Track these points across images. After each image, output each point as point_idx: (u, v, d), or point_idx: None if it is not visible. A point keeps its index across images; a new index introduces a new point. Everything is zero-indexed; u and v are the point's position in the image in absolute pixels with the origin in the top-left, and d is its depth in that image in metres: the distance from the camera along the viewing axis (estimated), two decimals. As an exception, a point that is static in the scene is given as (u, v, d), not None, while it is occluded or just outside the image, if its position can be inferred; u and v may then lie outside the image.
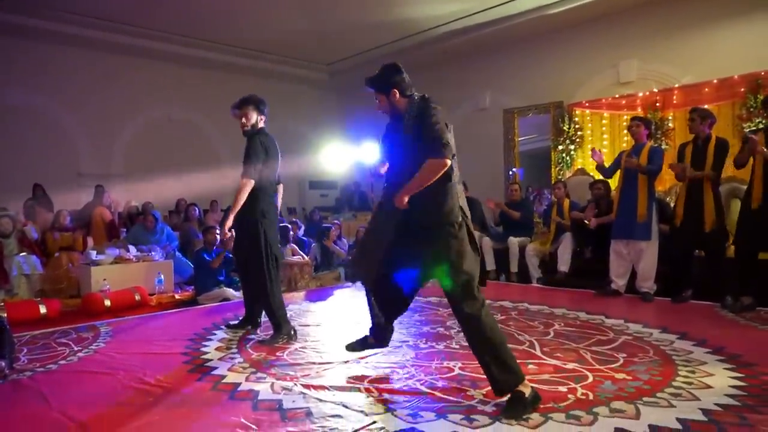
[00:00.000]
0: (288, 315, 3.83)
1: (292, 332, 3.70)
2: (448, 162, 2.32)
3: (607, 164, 5.38)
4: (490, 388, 2.59)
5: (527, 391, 2.31)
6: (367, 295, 2.81)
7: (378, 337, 2.92)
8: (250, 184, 3.56)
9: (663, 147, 6.55)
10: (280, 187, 3.99)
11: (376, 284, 2.69)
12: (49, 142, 8.27)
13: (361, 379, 2.80)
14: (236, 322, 4.15)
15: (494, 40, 8.46)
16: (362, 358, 3.17)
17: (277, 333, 3.64)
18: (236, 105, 3.78)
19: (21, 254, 5.71)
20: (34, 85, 8.23)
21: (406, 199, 2.35)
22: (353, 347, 3.00)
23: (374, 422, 2.23)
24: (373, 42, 8.99)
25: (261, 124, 3.78)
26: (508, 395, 2.32)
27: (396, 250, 2.50)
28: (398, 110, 2.54)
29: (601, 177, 5.85)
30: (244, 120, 3.72)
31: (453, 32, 8.46)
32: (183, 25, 8.31)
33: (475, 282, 2.37)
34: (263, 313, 3.91)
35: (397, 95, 2.53)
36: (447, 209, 2.38)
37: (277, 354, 3.33)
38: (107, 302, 4.91)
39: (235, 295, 5.48)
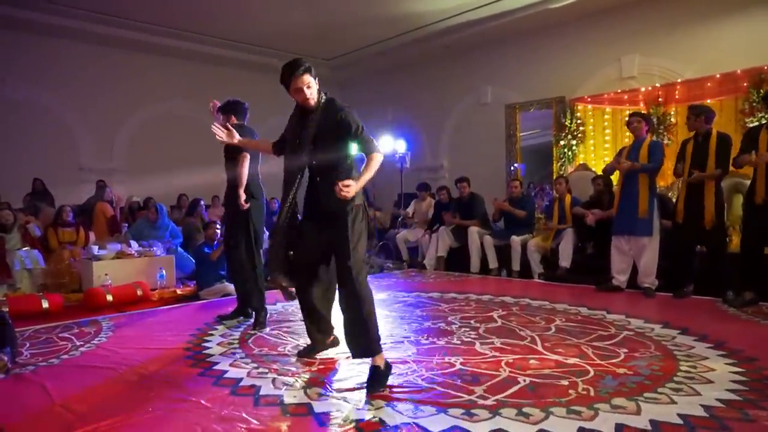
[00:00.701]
0: (288, 311, 3.86)
1: (264, 322, 3.92)
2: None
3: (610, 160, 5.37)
4: (490, 383, 2.60)
5: (382, 364, 2.60)
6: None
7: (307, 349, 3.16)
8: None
9: (665, 142, 6.54)
10: None
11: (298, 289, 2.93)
12: (51, 137, 8.28)
13: (362, 373, 2.81)
14: (228, 314, 4.23)
15: (496, 34, 8.43)
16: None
17: (259, 316, 3.89)
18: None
19: (23, 249, 5.72)
20: (36, 79, 8.23)
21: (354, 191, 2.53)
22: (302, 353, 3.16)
23: (375, 417, 2.24)
24: (375, 37, 8.96)
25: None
26: (370, 369, 2.60)
27: (304, 240, 2.78)
28: (312, 106, 2.72)
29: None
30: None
31: (454, 27, 8.43)
32: (184, 20, 8.30)
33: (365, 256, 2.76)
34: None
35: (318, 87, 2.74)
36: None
37: (279, 349, 3.33)
38: (109, 297, 4.92)
39: (237, 290, 5.50)
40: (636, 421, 2.14)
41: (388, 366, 2.66)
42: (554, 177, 7.51)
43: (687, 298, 4.71)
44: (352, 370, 2.87)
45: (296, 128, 2.80)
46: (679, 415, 2.20)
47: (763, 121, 5.43)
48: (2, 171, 7.53)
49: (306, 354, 3.12)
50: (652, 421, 2.13)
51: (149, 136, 9.05)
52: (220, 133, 3.21)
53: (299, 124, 2.78)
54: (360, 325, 2.62)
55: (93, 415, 2.28)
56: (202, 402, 2.45)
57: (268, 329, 3.84)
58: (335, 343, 3.16)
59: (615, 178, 5.71)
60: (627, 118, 5.28)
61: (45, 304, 4.61)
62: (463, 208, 7.06)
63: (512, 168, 8.48)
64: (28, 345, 3.52)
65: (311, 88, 2.68)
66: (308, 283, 2.88)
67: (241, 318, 4.13)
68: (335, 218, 2.63)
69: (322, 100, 2.73)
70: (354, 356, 2.74)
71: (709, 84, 6.44)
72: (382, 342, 2.70)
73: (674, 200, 5.38)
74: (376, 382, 2.54)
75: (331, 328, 3.13)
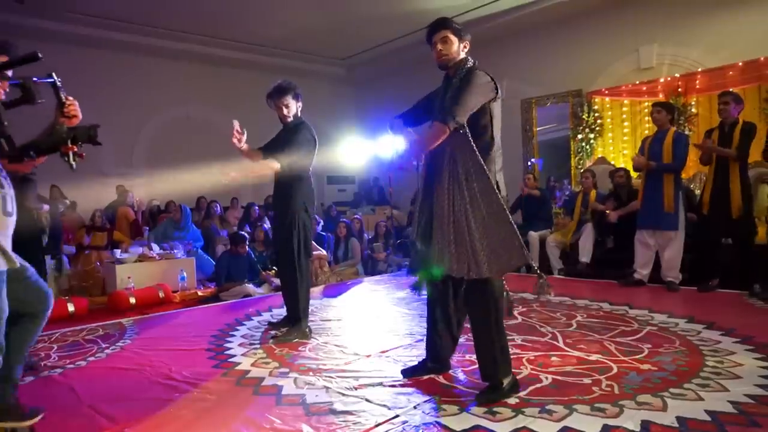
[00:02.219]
0: (309, 310, 3.84)
1: (308, 330, 3.63)
2: (448, 130, 2.29)
3: (633, 152, 5.27)
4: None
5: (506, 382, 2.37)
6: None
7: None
8: (278, 168, 3.43)
9: (687, 133, 6.41)
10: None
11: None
12: (72, 143, 8.42)
13: (383, 373, 2.81)
14: (278, 320, 4.08)
15: (510, 29, 8.36)
16: (384, 352, 3.19)
17: (294, 328, 3.58)
18: (274, 94, 3.56)
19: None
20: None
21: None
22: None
23: (397, 416, 2.24)
24: (388, 35, 8.95)
25: (299, 112, 3.64)
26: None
27: None
28: (452, 67, 2.47)
29: (622, 165, 5.75)
30: (285, 110, 3.56)
31: (469, 22, 8.36)
32: (199, 24, 8.39)
33: None
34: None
35: (466, 47, 2.51)
36: None
37: (300, 349, 3.35)
38: (132, 300, 5.01)
39: (257, 291, 5.55)
40: (662, 417, 2.11)
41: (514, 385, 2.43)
42: (572, 171, 7.42)
43: (712, 292, 4.61)
44: (374, 370, 2.87)
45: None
46: (706, 411, 2.16)
47: None
48: (26, 178, 7.70)
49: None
50: (678, 418, 2.10)
51: (167, 140, 9.17)
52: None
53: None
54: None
55: (121, 416, 2.33)
56: (226, 402, 2.48)
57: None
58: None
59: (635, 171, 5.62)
60: (650, 109, 5.19)
61: (71, 308, 4.71)
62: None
63: (529, 163, 8.40)
64: (56, 348, 3.60)
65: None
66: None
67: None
68: None
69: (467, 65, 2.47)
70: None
71: (731, 72, 6.30)
72: (405, 342, 2.66)
73: (699, 192, 5.27)
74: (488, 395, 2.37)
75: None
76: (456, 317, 2.69)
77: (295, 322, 3.62)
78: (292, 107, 3.60)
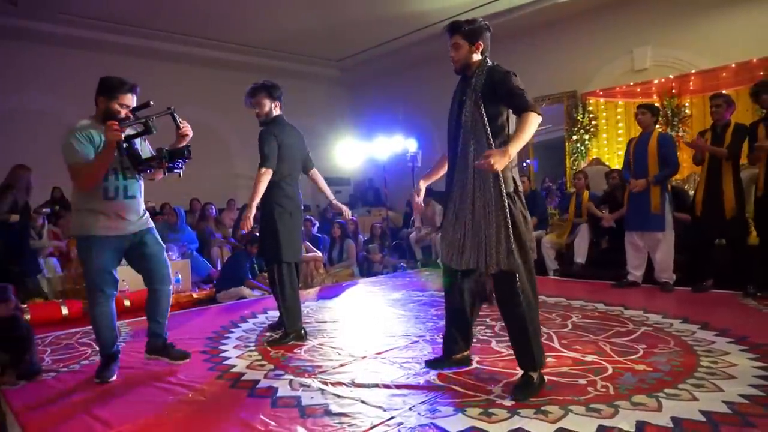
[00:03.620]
0: (303, 312, 3.82)
1: (303, 332, 3.59)
2: (540, 118, 2.37)
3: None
4: (508, 381, 2.58)
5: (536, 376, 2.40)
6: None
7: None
8: (267, 174, 3.43)
9: (680, 134, 6.45)
10: (313, 174, 3.88)
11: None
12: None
13: (378, 374, 2.81)
14: (273, 322, 4.07)
15: (504, 30, 8.35)
16: (379, 353, 3.18)
17: (288, 331, 3.54)
18: (248, 93, 3.64)
19: (40, 257, 5.82)
20: (51, 88, 8.36)
21: (506, 162, 2.27)
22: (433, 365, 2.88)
23: (392, 418, 2.23)
24: (383, 37, 8.96)
25: (276, 111, 3.60)
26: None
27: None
28: (469, 68, 2.55)
29: (617, 166, 5.78)
30: (257, 109, 3.59)
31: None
32: (194, 27, 8.37)
33: None
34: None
35: (480, 49, 2.55)
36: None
37: (295, 351, 3.34)
38: (127, 302, 4.97)
39: (253, 293, 5.53)
40: (657, 418, 2.11)
41: (542, 379, 2.50)
42: (567, 172, 7.45)
43: (706, 293, 4.63)
44: (370, 372, 2.87)
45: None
46: (701, 411, 2.16)
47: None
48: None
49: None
50: (673, 418, 2.10)
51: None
52: None
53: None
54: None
55: (115, 419, 2.31)
56: (221, 404, 2.47)
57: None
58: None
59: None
60: (635, 111, 5.22)
61: (65, 311, 4.69)
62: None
63: (524, 164, 8.42)
64: (49, 351, 3.58)
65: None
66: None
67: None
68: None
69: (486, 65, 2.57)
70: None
71: (724, 74, 6.34)
72: (400, 343, 2.66)
73: (692, 193, 5.30)
74: (524, 389, 2.41)
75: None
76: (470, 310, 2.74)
77: (286, 326, 3.57)
78: (265, 106, 3.58)
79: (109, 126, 2.62)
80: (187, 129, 2.97)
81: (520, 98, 2.38)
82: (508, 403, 2.33)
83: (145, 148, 3.05)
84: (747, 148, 4.52)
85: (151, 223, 3.09)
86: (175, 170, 2.89)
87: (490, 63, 2.54)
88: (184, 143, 2.93)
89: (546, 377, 2.61)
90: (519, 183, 2.52)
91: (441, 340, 2.93)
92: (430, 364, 2.86)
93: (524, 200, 2.51)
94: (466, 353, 2.85)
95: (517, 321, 2.46)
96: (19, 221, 5.43)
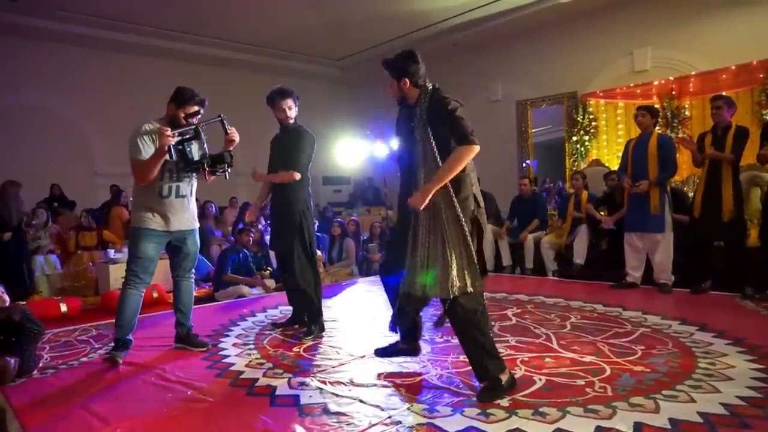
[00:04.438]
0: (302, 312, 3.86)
1: (323, 324, 3.78)
2: (477, 148, 2.32)
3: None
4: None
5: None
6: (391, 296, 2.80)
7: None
8: (298, 177, 3.60)
9: (681, 135, 6.45)
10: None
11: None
12: (65, 142, 8.40)
13: (377, 374, 2.81)
14: (284, 320, 4.10)
15: (505, 31, 8.39)
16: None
17: (313, 326, 3.67)
18: (275, 97, 3.67)
19: (40, 255, 5.82)
20: (49, 86, 8.35)
21: (427, 200, 2.32)
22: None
23: (390, 417, 2.24)
24: (384, 36, 8.96)
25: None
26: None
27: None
28: (408, 100, 2.54)
29: (616, 167, 5.78)
30: (288, 113, 3.67)
31: (464, 24, 8.40)
32: (194, 24, 8.36)
33: None
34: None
35: (407, 84, 2.50)
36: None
37: (294, 350, 3.35)
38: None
39: (252, 292, 5.53)
40: (655, 419, 2.12)
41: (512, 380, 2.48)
42: (567, 173, 7.45)
43: (705, 294, 4.64)
44: (368, 371, 2.87)
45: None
46: (698, 413, 2.17)
47: None
48: (20, 177, 7.66)
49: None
50: (671, 420, 2.11)
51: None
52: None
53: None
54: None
55: (113, 417, 2.32)
56: (219, 402, 2.48)
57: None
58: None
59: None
60: (634, 113, 5.22)
61: (64, 308, 4.69)
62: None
63: (524, 165, 8.43)
64: (48, 348, 3.58)
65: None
66: None
67: (297, 326, 3.90)
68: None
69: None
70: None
71: (724, 76, 6.34)
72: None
73: (691, 195, 5.30)
74: (490, 391, 2.40)
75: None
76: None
77: (314, 321, 3.70)
78: (293, 110, 3.70)
79: (161, 132, 2.95)
80: (234, 135, 3.21)
81: (458, 128, 2.33)
82: (505, 403, 2.33)
83: (198, 151, 3.27)
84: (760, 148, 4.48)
85: (197, 224, 3.40)
86: (217, 174, 3.16)
87: (430, 87, 2.49)
88: (231, 147, 3.19)
89: (544, 378, 2.62)
90: (480, 200, 2.48)
91: (440, 340, 2.93)
92: (378, 352, 2.97)
93: (479, 217, 2.45)
94: (415, 344, 2.92)
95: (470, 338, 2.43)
96: (13, 239, 5.39)
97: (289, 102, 3.67)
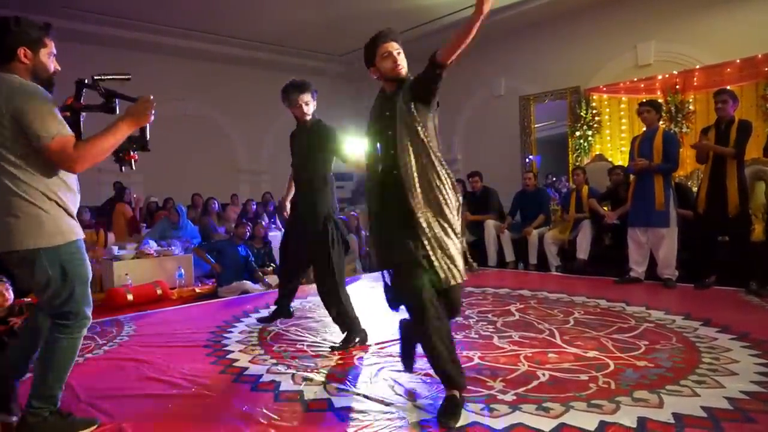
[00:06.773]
0: (306, 308, 3.84)
1: (365, 334, 3.34)
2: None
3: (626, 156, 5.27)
4: (509, 377, 2.58)
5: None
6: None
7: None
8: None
9: (684, 130, 6.42)
10: None
11: None
12: (69, 140, 8.41)
13: (381, 369, 2.82)
14: (267, 315, 4.08)
15: (508, 25, 8.34)
16: (382, 348, 3.19)
17: (350, 336, 3.30)
18: (291, 90, 3.37)
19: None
20: (57, 83, 8.35)
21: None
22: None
23: (394, 413, 2.24)
24: (387, 31, 8.93)
25: None
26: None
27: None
28: (385, 89, 2.52)
29: (620, 162, 5.76)
30: (305, 108, 3.40)
31: (467, 19, 8.35)
32: (196, 21, 8.35)
33: None
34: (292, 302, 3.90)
35: (378, 72, 2.53)
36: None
37: (298, 346, 3.36)
38: (130, 296, 5.00)
39: (255, 287, 5.55)
40: (658, 414, 2.12)
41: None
42: (570, 168, 7.42)
43: (709, 289, 4.63)
44: (372, 366, 2.88)
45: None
46: (702, 407, 2.17)
47: None
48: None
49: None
50: (675, 414, 2.11)
51: (164, 136, 9.11)
52: None
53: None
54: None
55: (118, 413, 2.33)
56: (223, 398, 2.49)
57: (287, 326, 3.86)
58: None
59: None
60: (637, 108, 5.20)
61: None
62: (475, 202, 7.03)
63: (527, 160, 8.40)
64: (53, 344, 3.59)
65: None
66: None
67: (281, 319, 3.86)
68: None
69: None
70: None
71: (728, 69, 6.30)
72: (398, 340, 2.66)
73: (695, 190, 5.28)
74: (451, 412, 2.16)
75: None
76: None
77: (350, 331, 3.31)
78: (311, 105, 3.44)
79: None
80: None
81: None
82: (509, 398, 2.34)
83: None
84: (766, 142, 4.47)
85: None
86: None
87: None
88: None
89: (548, 373, 2.63)
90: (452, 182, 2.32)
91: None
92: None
93: (455, 204, 2.31)
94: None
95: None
96: None
97: (306, 97, 3.38)
